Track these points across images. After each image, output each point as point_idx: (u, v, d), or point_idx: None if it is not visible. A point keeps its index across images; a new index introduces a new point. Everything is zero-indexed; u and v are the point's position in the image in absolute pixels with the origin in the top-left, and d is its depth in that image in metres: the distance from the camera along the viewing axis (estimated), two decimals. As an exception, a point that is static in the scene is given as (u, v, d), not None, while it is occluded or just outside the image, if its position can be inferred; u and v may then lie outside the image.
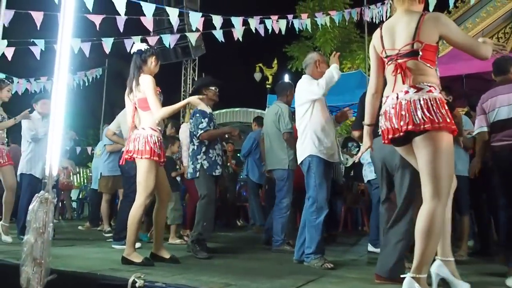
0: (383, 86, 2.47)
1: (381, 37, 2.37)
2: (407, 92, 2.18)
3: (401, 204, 2.68)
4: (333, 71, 3.50)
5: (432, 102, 2.13)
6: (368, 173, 4.72)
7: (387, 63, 2.35)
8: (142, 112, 3.35)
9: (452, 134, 2.18)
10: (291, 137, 4.32)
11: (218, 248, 4.43)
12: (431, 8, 5.82)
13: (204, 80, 4.53)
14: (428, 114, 2.10)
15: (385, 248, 2.74)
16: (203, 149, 4.04)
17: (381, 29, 2.39)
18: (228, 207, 7.74)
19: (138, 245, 3.99)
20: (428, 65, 2.19)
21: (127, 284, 2.44)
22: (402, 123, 2.16)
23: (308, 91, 3.56)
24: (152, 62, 3.46)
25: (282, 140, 4.38)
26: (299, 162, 3.63)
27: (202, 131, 4.00)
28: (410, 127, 2.13)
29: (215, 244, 4.66)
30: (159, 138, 3.33)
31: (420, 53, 2.18)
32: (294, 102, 3.78)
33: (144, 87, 3.30)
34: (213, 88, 4.29)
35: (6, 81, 4.75)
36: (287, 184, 4.32)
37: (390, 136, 2.26)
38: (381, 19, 6.74)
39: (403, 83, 2.20)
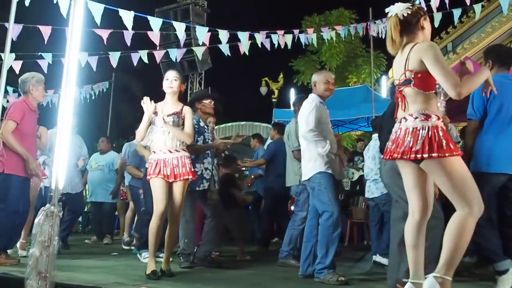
0: None
1: (393, 68, 2.53)
2: (405, 119, 2.29)
3: None
4: (324, 148, 3.44)
5: (429, 131, 2.19)
6: (374, 190, 4.71)
7: (397, 91, 2.44)
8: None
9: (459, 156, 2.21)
10: (300, 154, 4.34)
11: (225, 262, 4.38)
12: (436, 23, 5.85)
13: (198, 93, 4.55)
14: (425, 143, 2.16)
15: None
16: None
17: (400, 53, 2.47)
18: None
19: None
20: (422, 90, 2.27)
21: (131, 298, 2.41)
22: (396, 148, 2.27)
23: (303, 123, 3.57)
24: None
25: (292, 157, 4.47)
26: (305, 178, 3.60)
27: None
28: (406, 156, 2.21)
29: (221, 258, 4.62)
30: (158, 159, 3.47)
31: (412, 80, 2.28)
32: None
33: None
34: (206, 101, 4.28)
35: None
36: (300, 198, 4.35)
37: (396, 156, 2.31)
38: (386, 34, 6.77)
39: (403, 110, 2.33)
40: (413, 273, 2.27)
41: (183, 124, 3.56)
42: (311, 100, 3.62)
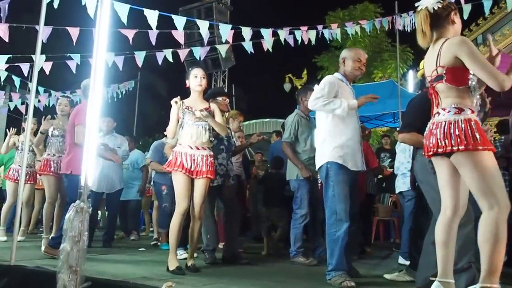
0: None
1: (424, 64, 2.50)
2: (438, 113, 2.28)
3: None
4: (340, 105, 3.13)
5: (461, 124, 2.17)
6: (401, 184, 4.62)
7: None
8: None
9: (491, 151, 2.18)
10: (287, 147, 4.34)
11: (250, 259, 4.40)
12: (465, 15, 5.69)
13: (212, 90, 4.55)
14: (458, 135, 2.14)
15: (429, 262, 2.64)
16: None
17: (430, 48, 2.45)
18: (258, 218, 7.71)
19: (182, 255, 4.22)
20: (454, 86, 2.24)
21: (158, 292, 2.46)
22: (433, 142, 2.24)
23: (314, 93, 3.29)
24: (188, 83, 3.68)
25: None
26: (316, 168, 3.38)
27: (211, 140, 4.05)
28: (440, 149, 2.20)
29: (244, 255, 4.64)
30: (187, 153, 3.47)
31: (444, 76, 2.26)
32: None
33: None
34: (220, 98, 4.26)
35: (60, 97, 5.16)
36: (299, 194, 4.29)
37: (430, 153, 2.30)
38: (413, 27, 6.63)
39: (436, 106, 2.32)
40: (441, 271, 2.22)
41: None
42: (331, 76, 3.44)
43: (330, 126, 3.24)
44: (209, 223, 4.14)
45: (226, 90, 14.04)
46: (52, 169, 4.78)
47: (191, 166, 3.46)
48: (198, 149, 3.51)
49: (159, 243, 5.64)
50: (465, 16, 5.79)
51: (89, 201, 2.53)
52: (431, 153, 2.27)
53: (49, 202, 4.85)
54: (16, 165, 5.79)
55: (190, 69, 3.79)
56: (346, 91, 3.33)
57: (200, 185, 3.52)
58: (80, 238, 2.42)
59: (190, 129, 3.52)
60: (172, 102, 3.53)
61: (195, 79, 3.62)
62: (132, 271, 3.28)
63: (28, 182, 5.65)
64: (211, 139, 3.65)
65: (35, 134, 5.43)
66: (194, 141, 3.51)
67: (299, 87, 14.17)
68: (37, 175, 5.71)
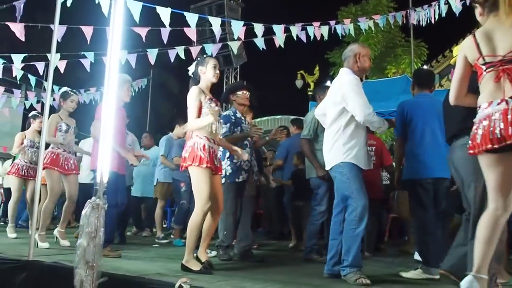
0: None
1: (477, 44, 2.30)
2: None
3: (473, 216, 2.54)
4: (384, 124, 3.19)
5: None
6: None
7: (485, 71, 2.26)
8: None
9: None
10: (305, 144, 4.30)
11: (264, 256, 4.42)
12: None
13: (232, 85, 4.54)
14: None
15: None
16: (227, 154, 4.02)
17: (474, 36, 2.32)
18: (271, 215, 7.72)
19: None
20: None
21: (173, 288, 2.49)
22: (503, 133, 2.06)
23: (353, 101, 3.14)
24: (203, 71, 3.45)
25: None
26: (327, 167, 3.33)
27: (221, 137, 3.95)
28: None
29: (257, 252, 4.66)
30: (210, 147, 3.31)
31: None
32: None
33: (187, 98, 3.35)
34: (240, 92, 4.22)
35: (70, 92, 4.92)
36: (319, 191, 4.27)
37: (488, 146, 2.13)
38: (428, 21, 6.55)
39: (502, 92, 2.14)
40: (478, 267, 2.19)
41: None
42: (352, 76, 3.28)
43: (342, 127, 3.19)
44: (228, 219, 4.06)
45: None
46: (59, 163, 4.67)
47: (213, 160, 3.32)
48: (214, 143, 3.40)
49: (164, 241, 5.70)
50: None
51: (104, 197, 2.56)
52: (497, 146, 2.08)
53: (51, 200, 4.68)
54: (20, 161, 5.64)
55: (205, 56, 3.67)
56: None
57: (218, 180, 3.48)
58: (96, 234, 2.46)
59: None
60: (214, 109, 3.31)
61: (214, 70, 3.44)
62: (147, 267, 3.31)
63: (31, 178, 5.56)
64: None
65: (39, 132, 5.52)
66: (211, 134, 3.35)
67: (311, 83, 14.13)
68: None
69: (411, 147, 3.54)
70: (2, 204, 9.81)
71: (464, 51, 2.38)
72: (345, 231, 3.12)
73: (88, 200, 2.49)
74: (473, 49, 2.30)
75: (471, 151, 2.25)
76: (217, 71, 3.48)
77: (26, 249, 3.23)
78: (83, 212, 2.46)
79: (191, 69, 3.54)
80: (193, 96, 3.33)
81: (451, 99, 2.48)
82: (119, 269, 3.05)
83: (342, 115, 3.21)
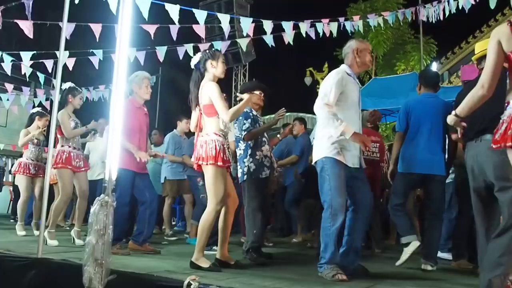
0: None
1: None
2: None
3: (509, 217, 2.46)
4: (337, 128, 3.02)
5: None
6: None
7: None
8: (206, 118, 3.34)
9: None
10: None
11: (271, 253, 4.40)
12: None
13: (248, 84, 4.51)
14: None
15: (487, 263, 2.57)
16: (249, 151, 4.00)
17: (510, 25, 2.22)
18: (280, 211, 7.69)
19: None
20: None
21: (182, 286, 2.47)
22: None
23: (321, 94, 3.15)
24: (212, 66, 3.40)
25: None
26: (314, 161, 3.27)
27: (245, 132, 3.97)
28: None
29: (268, 249, 4.65)
30: (223, 143, 3.28)
31: None
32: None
33: (209, 94, 3.27)
34: (257, 92, 4.21)
35: (78, 89, 4.93)
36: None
37: (508, 144, 2.07)
38: (437, 18, 6.47)
39: None
40: None
41: None
42: (340, 70, 3.27)
43: (330, 121, 3.07)
44: (257, 217, 3.94)
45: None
46: (71, 162, 4.63)
47: (225, 155, 3.27)
48: (225, 137, 3.37)
49: (173, 238, 5.71)
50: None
51: (113, 195, 2.56)
52: None
53: (62, 199, 4.64)
54: (27, 159, 5.64)
55: (214, 50, 3.61)
56: (353, 88, 3.26)
57: (228, 175, 3.46)
58: (105, 231, 2.46)
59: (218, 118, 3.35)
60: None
61: (223, 66, 3.44)
62: (156, 265, 3.31)
63: (40, 176, 5.59)
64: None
65: (44, 130, 5.57)
66: (220, 130, 3.32)
67: (320, 80, 14.05)
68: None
69: (405, 143, 3.83)
70: (12, 202, 9.89)
71: (498, 37, 2.26)
72: (322, 228, 3.10)
73: (97, 198, 2.49)
74: (509, 38, 2.20)
75: (495, 146, 2.19)
76: (225, 67, 3.49)
77: (35, 247, 3.24)
78: (92, 209, 2.45)
79: (195, 59, 3.49)
80: (217, 90, 3.27)
81: (486, 91, 2.31)
82: (128, 266, 3.06)
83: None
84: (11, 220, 8.84)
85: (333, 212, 3.02)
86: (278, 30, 6.37)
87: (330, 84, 3.14)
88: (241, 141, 4.06)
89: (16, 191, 9.50)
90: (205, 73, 3.42)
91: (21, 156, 6.84)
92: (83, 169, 4.79)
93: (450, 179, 4.43)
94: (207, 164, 3.22)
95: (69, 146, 4.71)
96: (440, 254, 4.21)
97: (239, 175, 4.06)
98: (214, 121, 3.31)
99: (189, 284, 2.47)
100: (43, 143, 5.74)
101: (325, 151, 3.12)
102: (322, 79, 14.78)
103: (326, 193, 3.08)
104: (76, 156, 4.73)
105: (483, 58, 2.92)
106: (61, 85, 4.29)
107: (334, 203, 3.03)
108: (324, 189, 3.11)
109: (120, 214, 3.82)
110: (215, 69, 3.40)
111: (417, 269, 3.64)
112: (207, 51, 3.52)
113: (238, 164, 4.11)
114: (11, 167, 10.13)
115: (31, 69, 7.19)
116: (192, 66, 3.51)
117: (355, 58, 3.32)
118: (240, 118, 3.99)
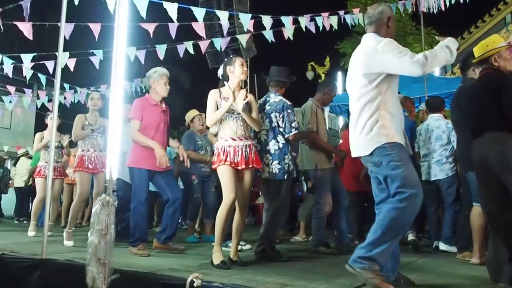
0: None
1: None
2: None
3: None
4: (450, 48, 2.46)
5: None
6: (438, 172, 4.50)
7: None
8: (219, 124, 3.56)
9: None
10: (316, 135, 4.29)
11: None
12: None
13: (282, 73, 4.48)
14: None
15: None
16: (289, 149, 3.93)
17: None
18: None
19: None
20: None
21: (185, 283, 2.48)
22: None
23: (395, 60, 2.45)
24: (231, 70, 3.56)
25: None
26: (362, 153, 2.62)
27: (295, 131, 3.86)
28: None
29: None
30: (230, 145, 3.41)
31: None
32: (346, 82, 2.86)
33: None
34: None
35: (91, 92, 5.03)
36: (319, 184, 4.24)
37: None
38: (438, 9, 6.42)
39: None
40: None
41: (249, 111, 3.53)
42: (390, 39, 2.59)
43: (381, 99, 2.52)
44: (283, 217, 4.05)
45: (247, 81, 14.03)
46: (86, 165, 4.69)
47: (234, 157, 3.38)
48: (241, 139, 3.44)
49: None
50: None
51: (114, 194, 2.56)
52: None
53: (79, 200, 4.73)
54: (43, 162, 5.78)
55: (231, 56, 3.72)
56: None
57: (248, 175, 3.47)
58: (107, 231, 2.46)
59: (231, 123, 3.45)
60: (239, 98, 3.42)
61: (242, 67, 3.53)
62: (159, 263, 3.31)
63: (56, 177, 5.68)
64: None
65: (58, 130, 5.55)
66: (236, 133, 3.44)
67: (322, 75, 14.00)
68: (64, 170, 5.91)
69: None
70: (16, 203, 9.94)
71: None
72: (382, 218, 2.51)
73: (98, 198, 2.49)
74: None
75: None
76: (245, 68, 3.60)
77: (39, 248, 3.25)
78: (93, 210, 2.46)
79: (220, 71, 3.67)
80: (209, 99, 3.53)
81: None
82: (131, 265, 3.06)
83: (377, 89, 2.54)
84: (16, 222, 8.91)
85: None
86: (278, 25, 6.35)
87: (391, 46, 2.52)
88: (280, 136, 3.85)
89: (18, 193, 9.57)
90: (229, 78, 3.58)
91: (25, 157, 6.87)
92: (101, 170, 4.74)
93: (453, 171, 4.42)
94: (217, 166, 3.43)
95: (83, 150, 4.78)
96: (447, 248, 4.24)
97: (276, 171, 3.78)
98: (222, 126, 3.50)
99: (192, 282, 2.48)
100: (60, 145, 5.77)
101: (385, 137, 2.49)
102: (324, 73, 14.72)
103: (400, 181, 2.44)
104: (92, 158, 4.75)
105: (482, 61, 2.98)
106: (63, 86, 4.29)
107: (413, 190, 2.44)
108: (397, 178, 2.47)
109: (139, 213, 3.84)
110: (233, 73, 3.55)
111: (420, 260, 3.62)
112: (225, 59, 3.72)
113: (270, 157, 3.81)
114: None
115: (32, 71, 7.19)
116: (220, 77, 3.69)
117: (388, 28, 2.69)
118: (289, 111, 3.92)
